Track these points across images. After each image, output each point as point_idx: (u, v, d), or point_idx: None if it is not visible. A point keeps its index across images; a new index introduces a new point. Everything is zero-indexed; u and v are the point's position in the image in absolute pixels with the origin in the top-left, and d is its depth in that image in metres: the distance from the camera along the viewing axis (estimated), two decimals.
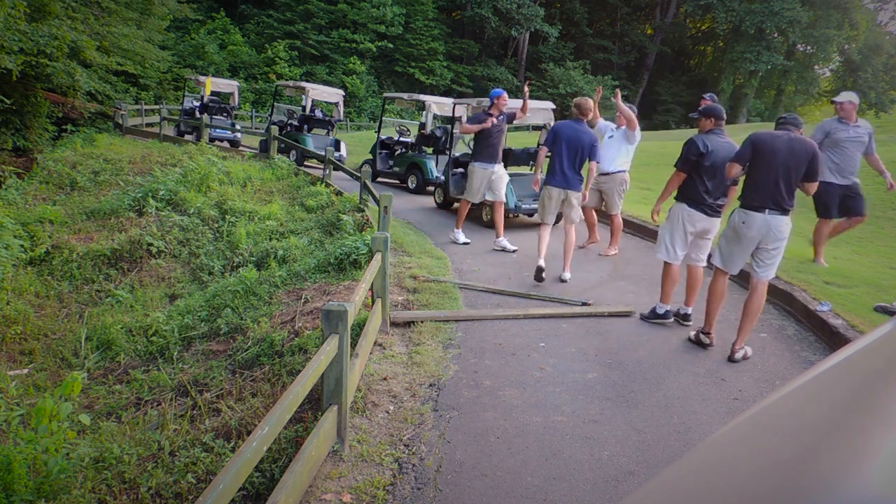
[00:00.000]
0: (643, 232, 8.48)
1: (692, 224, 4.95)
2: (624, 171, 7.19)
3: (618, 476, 3.08)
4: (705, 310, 4.75)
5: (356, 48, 34.27)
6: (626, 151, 7.13)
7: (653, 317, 5.29)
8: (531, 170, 9.62)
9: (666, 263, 5.14)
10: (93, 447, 3.51)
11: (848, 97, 6.45)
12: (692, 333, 4.91)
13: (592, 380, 4.15)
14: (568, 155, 6.21)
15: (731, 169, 4.47)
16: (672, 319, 5.28)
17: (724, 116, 4.99)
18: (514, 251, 7.36)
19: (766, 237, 4.36)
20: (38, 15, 11.66)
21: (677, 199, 5.03)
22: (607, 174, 7.12)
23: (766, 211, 4.31)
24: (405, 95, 14.10)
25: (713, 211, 4.91)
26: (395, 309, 5.31)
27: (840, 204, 6.40)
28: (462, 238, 7.82)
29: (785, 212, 4.33)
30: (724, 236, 4.62)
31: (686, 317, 5.24)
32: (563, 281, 6.29)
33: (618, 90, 7.22)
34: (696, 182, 4.84)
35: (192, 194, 9.67)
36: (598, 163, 6.40)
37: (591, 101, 6.53)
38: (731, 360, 4.52)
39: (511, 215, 8.80)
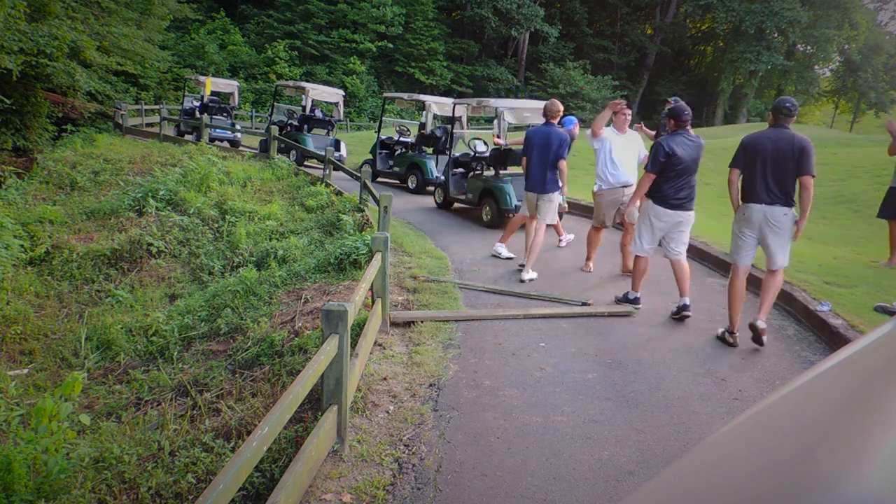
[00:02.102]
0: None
1: (658, 219, 5.24)
2: None
3: (618, 476, 3.08)
4: (728, 310, 4.85)
5: (356, 48, 34.26)
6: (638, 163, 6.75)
7: (623, 300, 5.57)
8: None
9: (636, 256, 5.47)
10: (93, 447, 3.51)
11: None
12: (719, 331, 4.98)
13: (592, 380, 4.15)
14: (538, 158, 6.42)
15: (731, 174, 4.68)
16: (640, 306, 5.53)
17: (686, 117, 5.20)
18: (510, 258, 7.12)
19: (764, 226, 4.57)
20: (38, 15, 11.65)
21: (646, 196, 5.35)
22: (631, 186, 6.46)
23: (762, 203, 4.53)
24: (405, 95, 14.10)
25: (679, 206, 5.18)
26: (395, 309, 5.31)
27: None
28: (505, 252, 7.19)
29: (782, 203, 4.52)
30: (733, 230, 4.84)
31: (685, 307, 5.30)
32: (521, 282, 6.24)
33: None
34: (661, 181, 5.16)
35: (192, 194, 9.67)
36: (563, 160, 6.45)
37: (559, 104, 6.70)
38: (755, 333, 4.66)
39: (510, 215, 8.80)
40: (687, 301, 5.30)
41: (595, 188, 6.51)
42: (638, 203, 5.44)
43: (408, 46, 36.23)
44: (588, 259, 6.76)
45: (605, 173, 6.39)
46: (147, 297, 7.26)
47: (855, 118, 50.99)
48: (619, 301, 5.61)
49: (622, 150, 6.36)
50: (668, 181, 5.13)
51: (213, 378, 4.65)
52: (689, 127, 5.24)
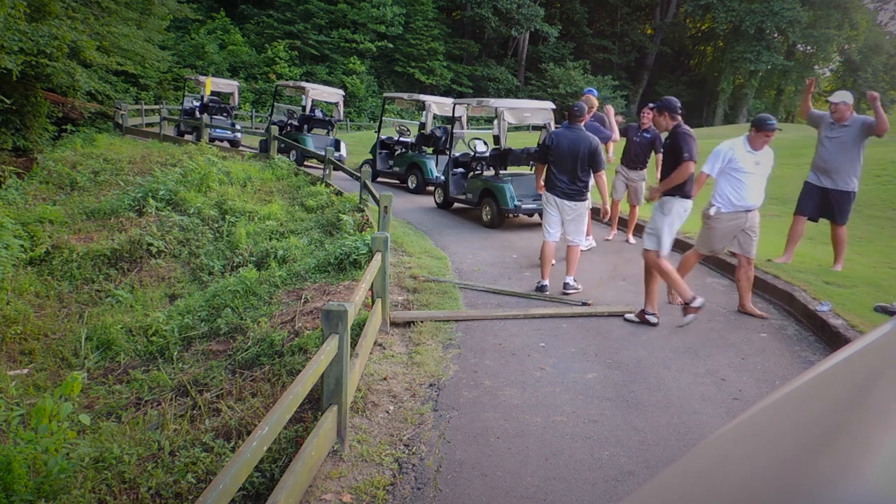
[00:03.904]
0: (642, 231, 8.47)
1: (554, 206, 5.84)
2: None
3: (618, 476, 3.08)
4: (680, 288, 5.08)
5: (356, 48, 34.26)
6: None
7: (540, 290, 5.89)
8: (531, 170, 9.64)
9: (543, 242, 5.99)
10: (93, 447, 3.50)
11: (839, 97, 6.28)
12: (646, 315, 5.21)
13: (592, 380, 4.15)
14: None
15: None
16: (548, 292, 5.87)
17: (575, 113, 5.81)
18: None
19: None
20: (38, 15, 11.66)
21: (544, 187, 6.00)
22: (753, 210, 5.33)
23: None
24: (405, 95, 14.10)
25: (564, 195, 5.77)
26: (395, 309, 5.31)
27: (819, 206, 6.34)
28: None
29: None
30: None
31: (566, 284, 5.92)
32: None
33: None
34: (549, 171, 5.82)
35: (192, 194, 9.67)
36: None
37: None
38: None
39: (510, 215, 8.80)
40: (569, 280, 5.91)
41: (711, 210, 5.25)
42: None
43: (408, 46, 36.23)
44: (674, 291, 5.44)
45: (727, 192, 5.18)
46: (147, 297, 7.26)
47: None
48: (539, 290, 5.93)
49: (751, 168, 5.14)
50: (552, 171, 5.77)
51: (213, 378, 4.65)
52: (579, 123, 5.85)
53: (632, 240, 8.09)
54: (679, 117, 5.06)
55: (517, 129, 23.13)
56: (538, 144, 5.82)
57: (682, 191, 5.03)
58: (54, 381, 5.34)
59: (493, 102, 9.60)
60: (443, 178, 10.31)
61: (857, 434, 0.62)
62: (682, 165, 4.84)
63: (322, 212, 9.06)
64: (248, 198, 10.07)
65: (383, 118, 13.95)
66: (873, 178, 11.09)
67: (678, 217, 5.09)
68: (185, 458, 3.21)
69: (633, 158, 7.76)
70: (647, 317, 5.16)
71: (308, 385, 2.59)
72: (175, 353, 5.55)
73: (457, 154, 10.13)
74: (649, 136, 7.62)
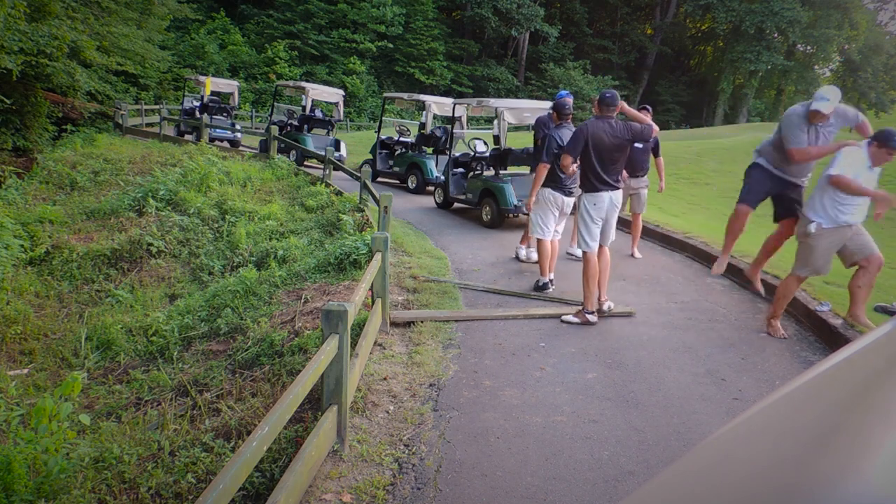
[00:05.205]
0: (642, 232, 8.46)
1: (557, 204, 5.87)
2: None
3: (618, 476, 3.08)
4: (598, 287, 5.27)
5: (356, 48, 34.26)
6: None
7: (538, 289, 5.94)
8: (531, 170, 9.62)
9: (540, 241, 5.96)
10: (93, 447, 3.50)
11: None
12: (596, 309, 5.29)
13: (592, 380, 4.15)
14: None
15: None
16: (552, 289, 5.94)
17: (566, 111, 6.02)
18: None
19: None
20: (38, 15, 11.66)
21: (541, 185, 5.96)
22: (855, 227, 4.78)
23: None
24: (405, 95, 14.10)
25: (570, 193, 5.89)
26: (395, 309, 5.31)
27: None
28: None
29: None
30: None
31: (550, 281, 6.09)
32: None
33: None
34: (555, 169, 5.74)
35: (192, 194, 9.67)
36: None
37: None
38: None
39: (511, 215, 8.80)
40: (551, 276, 6.09)
41: (811, 227, 4.64)
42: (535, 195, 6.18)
43: (408, 46, 36.23)
44: (774, 316, 5.05)
45: (829, 208, 4.61)
46: (147, 297, 7.26)
47: None
48: (539, 289, 5.96)
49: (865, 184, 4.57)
50: (558, 171, 5.69)
51: (213, 378, 4.65)
52: (570, 120, 6.00)
53: (636, 253, 7.36)
54: (600, 110, 5.03)
55: (517, 129, 23.13)
56: (534, 145, 5.97)
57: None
58: (54, 381, 5.34)
59: (493, 102, 9.60)
60: (443, 178, 10.32)
61: (857, 434, 0.62)
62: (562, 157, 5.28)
63: (322, 212, 9.06)
64: (248, 198, 10.07)
65: (383, 118, 13.95)
66: None
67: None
68: (185, 458, 3.21)
69: (634, 165, 6.96)
70: (587, 315, 5.19)
71: (308, 385, 2.59)
72: (175, 353, 5.55)
73: (457, 154, 10.13)
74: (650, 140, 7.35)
